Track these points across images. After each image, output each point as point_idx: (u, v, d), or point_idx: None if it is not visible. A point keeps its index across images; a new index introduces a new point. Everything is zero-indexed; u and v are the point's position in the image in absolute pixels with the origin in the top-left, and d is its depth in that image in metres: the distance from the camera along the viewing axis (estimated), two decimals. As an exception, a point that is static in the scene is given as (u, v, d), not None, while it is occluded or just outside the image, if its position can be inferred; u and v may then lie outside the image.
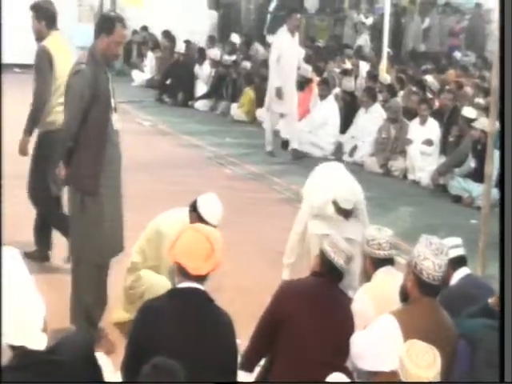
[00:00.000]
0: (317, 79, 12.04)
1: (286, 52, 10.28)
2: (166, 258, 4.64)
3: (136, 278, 5.15)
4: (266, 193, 9.06)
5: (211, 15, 19.40)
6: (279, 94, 10.26)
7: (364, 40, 16.68)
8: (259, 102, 13.05)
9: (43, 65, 5.89)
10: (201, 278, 3.38)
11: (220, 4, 20.50)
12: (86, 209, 4.84)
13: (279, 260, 5.85)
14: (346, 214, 5.33)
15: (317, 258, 4.20)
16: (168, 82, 14.96)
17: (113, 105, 4.92)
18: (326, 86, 11.35)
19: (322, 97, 11.20)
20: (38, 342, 3.10)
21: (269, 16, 19.36)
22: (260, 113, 12.96)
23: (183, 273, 3.37)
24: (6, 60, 16.73)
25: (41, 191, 6.02)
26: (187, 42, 16.02)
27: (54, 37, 6.00)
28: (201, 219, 4.86)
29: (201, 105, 14.26)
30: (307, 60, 12.70)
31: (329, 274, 4.08)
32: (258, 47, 15.98)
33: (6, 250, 3.31)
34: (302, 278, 4.31)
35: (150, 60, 16.72)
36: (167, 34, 16.83)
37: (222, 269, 3.50)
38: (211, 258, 3.35)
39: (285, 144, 11.14)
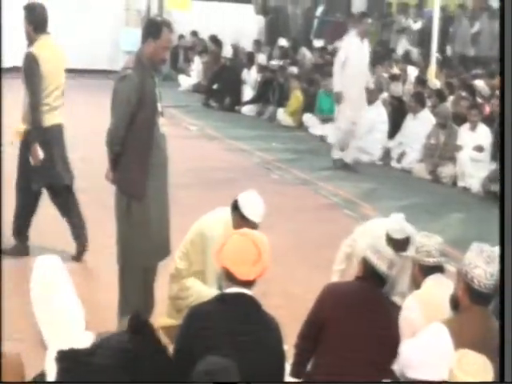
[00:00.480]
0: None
1: (353, 56, 10.02)
2: (211, 261, 4.66)
3: (183, 287, 5.07)
4: (312, 198, 9.04)
5: (258, 20, 19.45)
6: (338, 98, 10.13)
7: (404, 45, 16.55)
8: (307, 106, 13.06)
9: (31, 69, 6.07)
10: (248, 283, 3.37)
11: (267, 9, 20.54)
12: (132, 212, 4.87)
13: (326, 265, 5.80)
14: (399, 246, 4.86)
15: (360, 264, 4.19)
16: (215, 86, 15.03)
17: (159, 109, 4.93)
18: (374, 91, 11.27)
19: (370, 102, 11.12)
20: (83, 341, 3.14)
21: (316, 21, 19.33)
22: (307, 118, 12.96)
23: (230, 278, 3.36)
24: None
25: (24, 185, 6.29)
26: (235, 47, 16.07)
27: (43, 41, 6.14)
28: (243, 217, 4.84)
29: (247, 109, 14.29)
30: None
31: (371, 278, 4.07)
32: (305, 52, 15.97)
33: (46, 257, 3.36)
34: (345, 281, 4.29)
35: (197, 65, 16.81)
36: (214, 39, 16.91)
37: (268, 274, 3.48)
38: (258, 263, 3.34)
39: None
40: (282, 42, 16.96)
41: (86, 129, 11.32)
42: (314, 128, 12.67)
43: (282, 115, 13.32)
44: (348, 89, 9.99)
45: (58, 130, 6.31)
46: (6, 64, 12.75)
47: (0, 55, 9.61)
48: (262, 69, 14.41)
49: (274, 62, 14.58)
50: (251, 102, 14.37)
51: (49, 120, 6.20)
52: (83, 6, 17.31)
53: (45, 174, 6.20)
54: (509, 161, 3.39)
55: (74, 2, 17.29)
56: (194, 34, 17.87)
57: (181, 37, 17.49)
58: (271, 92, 13.94)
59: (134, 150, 4.81)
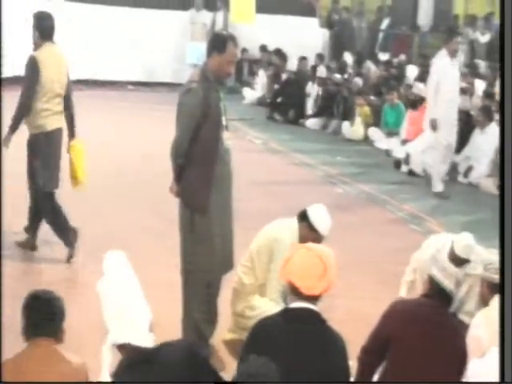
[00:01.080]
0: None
1: (446, 79, 9.43)
2: (276, 270, 4.66)
3: (249, 305, 5.02)
4: (377, 212, 8.98)
5: (323, 33, 19.45)
6: (434, 126, 9.46)
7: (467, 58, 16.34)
8: (372, 120, 13.00)
9: (30, 73, 6.41)
10: (314, 298, 3.37)
11: (332, 22, 20.51)
12: (195, 225, 4.91)
13: (392, 280, 5.76)
14: (462, 263, 4.73)
15: (426, 282, 4.14)
16: (279, 100, 15.07)
17: (224, 123, 4.97)
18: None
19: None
20: (147, 341, 3.19)
21: (381, 34, 19.25)
22: (372, 131, 12.90)
23: (296, 292, 3.37)
24: (118, 77, 17.35)
25: (33, 186, 6.62)
26: (300, 60, 16.10)
27: (48, 48, 6.49)
28: (311, 228, 4.88)
29: (312, 123, 14.29)
30: (420, 78, 12.57)
31: (438, 296, 4.02)
32: (369, 65, 15.91)
33: (112, 254, 3.41)
34: (411, 299, 4.24)
35: (262, 78, 16.88)
36: (279, 52, 16.98)
37: (332, 289, 3.48)
38: (324, 278, 3.34)
39: (397, 164, 11.04)
40: (347, 55, 16.94)
41: (150, 141, 11.48)
42: (379, 142, 12.60)
43: (347, 129, 13.28)
44: (444, 114, 9.45)
45: (58, 134, 6.63)
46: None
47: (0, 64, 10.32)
48: (322, 82, 14.40)
49: (339, 76, 14.56)
50: (315, 115, 14.37)
51: (51, 124, 6.51)
52: (149, 20, 17.57)
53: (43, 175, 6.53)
54: (509, 162, 3.33)
55: (140, 14, 17.55)
56: (263, 48, 17.92)
57: (244, 50, 17.59)
58: (335, 105, 13.92)
59: (198, 164, 4.86)
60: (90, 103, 14.79)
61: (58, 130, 6.61)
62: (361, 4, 21.51)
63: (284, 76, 15.82)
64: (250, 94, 16.84)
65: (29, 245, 6.81)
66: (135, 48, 17.43)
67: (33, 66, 6.38)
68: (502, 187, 3.51)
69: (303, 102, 14.77)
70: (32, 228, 6.81)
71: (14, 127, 6.44)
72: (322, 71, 14.73)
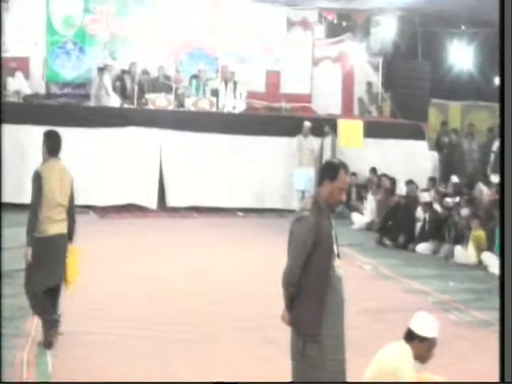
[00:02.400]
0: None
1: None
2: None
3: None
4: (493, 340, 8.74)
5: (432, 156, 19.54)
6: None
7: None
8: (485, 244, 12.84)
9: (34, 186, 7.39)
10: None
11: (441, 145, 20.64)
12: (307, 354, 4.98)
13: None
14: None
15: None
16: (388, 224, 15.10)
17: (335, 251, 5.08)
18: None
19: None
20: None
21: (492, 155, 19.20)
22: (485, 256, 12.72)
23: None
24: (228, 204, 17.77)
25: (30, 285, 7.52)
26: (409, 183, 16.18)
27: (52, 163, 7.50)
28: (421, 340, 4.99)
29: (422, 248, 14.21)
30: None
31: None
32: (481, 187, 15.83)
33: None
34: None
35: (370, 202, 16.99)
36: (387, 176, 17.12)
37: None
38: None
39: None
40: (457, 178, 16.92)
41: (258, 268, 11.65)
42: (493, 267, 12.39)
43: (460, 253, 13.15)
44: None
45: (58, 238, 7.48)
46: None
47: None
48: (427, 207, 14.39)
49: (449, 199, 14.53)
50: (426, 239, 14.30)
51: (52, 230, 7.42)
52: (257, 146, 18.08)
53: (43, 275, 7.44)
54: (509, 160, 3.28)
55: (248, 141, 18.09)
56: (372, 171, 18.12)
57: (353, 175, 17.82)
58: (446, 229, 13.84)
59: (310, 292, 4.96)
60: (201, 230, 15.23)
61: (59, 236, 7.49)
62: (470, 125, 21.61)
63: (393, 200, 15.88)
64: (359, 219, 16.93)
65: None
66: (244, 174, 17.91)
67: (36, 179, 7.37)
68: (502, 187, 3.47)
69: (413, 226, 14.75)
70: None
71: (29, 232, 7.39)
72: (425, 196, 14.74)
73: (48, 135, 7.64)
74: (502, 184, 3.63)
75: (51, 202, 7.40)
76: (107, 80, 18.28)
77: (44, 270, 7.43)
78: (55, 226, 7.46)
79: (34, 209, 7.39)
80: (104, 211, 16.84)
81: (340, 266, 5.09)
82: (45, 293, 7.54)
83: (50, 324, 7.51)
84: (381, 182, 17.20)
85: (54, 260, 7.48)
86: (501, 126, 3.75)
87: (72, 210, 7.69)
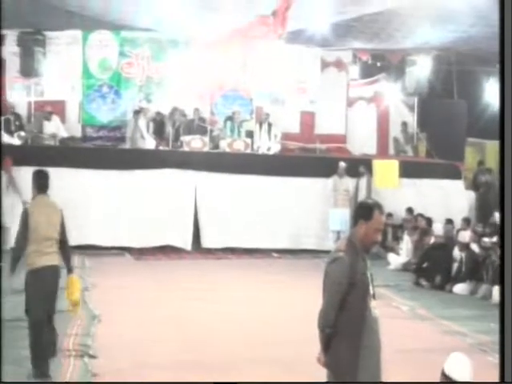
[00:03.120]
0: None
1: None
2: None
3: None
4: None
5: (469, 196, 19.46)
6: None
7: None
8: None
9: (20, 223, 7.84)
10: None
11: (478, 184, 20.55)
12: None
13: None
14: None
15: None
16: (425, 265, 15.02)
17: (371, 292, 5.10)
18: None
19: None
20: None
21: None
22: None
23: None
24: (264, 245, 17.80)
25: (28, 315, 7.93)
26: (446, 223, 16.12)
27: (40, 199, 7.96)
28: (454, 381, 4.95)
29: (460, 288, 14.11)
30: None
31: None
32: (519, 227, 15.71)
33: None
34: None
35: (406, 243, 16.93)
36: (424, 216, 17.07)
37: None
38: None
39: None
40: (496, 216, 16.81)
41: (293, 309, 11.65)
42: (533, 307, 12.27)
43: (498, 294, 13.03)
44: None
45: (47, 270, 7.82)
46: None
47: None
48: (464, 247, 14.31)
49: (487, 239, 14.44)
50: (463, 280, 14.20)
51: (38, 262, 7.76)
52: (292, 187, 18.15)
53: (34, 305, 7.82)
54: (509, 161, 3.27)
55: (283, 182, 18.16)
56: (409, 211, 18.08)
57: (389, 215, 17.79)
58: (484, 270, 13.74)
59: (346, 333, 4.98)
60: (236, 271, 15.27)
61: (48, 267, 7.82)
62: (507, 165, 21.46)
63: (429, 240, 15.82)
64: (395, 260, 16.87)
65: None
66: (279, 215, 17.97)
67: (23, 216, 7.83)
68: (501, 187, 3.47)
69: (450, 267, 14.67)
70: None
71: (12, 269, 7.79)
72: (463, 236, 14.67)
73: (37, 174, 8.13)
74: (502, 183, 3.65)
75: (38, 235, 7.77)
76: (142, 123, 18.56)
77: (36, 300, 7.81)
78: (44, 258, 7.80)
79: (17, 244, 7.88)
80: (139, 253, 16.97)
81: (376, 307, 5.11)
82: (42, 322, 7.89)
83: (42, 355, 7.82)
84: (417, 222, 17.15)
85: (44, 291, 7.83)
86: (501, 126, 3.79)
87: (65, 242, 8.05)
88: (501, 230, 3.53)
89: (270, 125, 19.36)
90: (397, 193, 18.40)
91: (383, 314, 5.31)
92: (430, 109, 21.49)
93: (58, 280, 7.97)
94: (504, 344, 3.26)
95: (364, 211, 5.14)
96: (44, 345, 7.82)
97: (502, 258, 3.48)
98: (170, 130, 18.77)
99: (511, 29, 3.71)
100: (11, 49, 19.02)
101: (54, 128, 18.73)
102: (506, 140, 3.62)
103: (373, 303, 5.09)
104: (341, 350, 4.99)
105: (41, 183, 8.07)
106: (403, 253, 16.95)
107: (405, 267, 16.38)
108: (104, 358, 8.60)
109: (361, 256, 5.08)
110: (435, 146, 20.53)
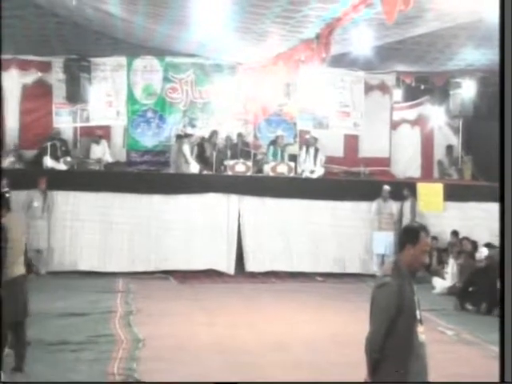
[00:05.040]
0: None
1: None
2: None
3: None
4: None
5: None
6: None
7: None
8: None
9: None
10: None
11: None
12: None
13: None
14: None
15: None
16: (471, 289, 14.87)
17: (418, 316, 5.08)
18: None
19: None
20: None
21: None
22: None
23: None
24: (307, 269, 17.76)
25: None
26: (492, 247, 15.95)
27: (10, 215, 8.75)
28: None
29: (507, 313, 13.93)
30: None
31: None
32: None
33: None
34: None
35: (452, 266, 16.79)
36: (469, 240, 16.92)
37: None
38: None
39: None
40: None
41: (338, 334, 11.60)
42: None
43: (546, 319, 12.84)
44: None
45: (21, 278, 8.68)
46: None
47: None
48: None
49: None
50: (511, 305, 14.02)
51: (14, 272, 8.49)
52: (336, 210, 18.14)
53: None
54: (509, 162, 3.23)
55: (327, 207, 18.16)
56: (454, 234, 17.94)
57: (434, 238, 17.67)
58: (533, 294, 13.56)
59: (393, 358, 4.97)
60: (280, 296, 15.26)
61: (22, 276, 8.66)
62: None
63: (475, 264, 15.66)
64: (440, 284, 16.73)
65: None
66: (323, 239, 17.96)
67: (3, 230, 8.41)
68: (501, 188, 3.43)
69: (496, 291, 14.47)
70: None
71: None
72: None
73: (2, 195, 9.49)
74: (502, 185, 3.65)
75: (13, 247, 8.50)
76: (186, 148, 18.69)
77: (12, 306, 8.46)
78: (17, 268, 8.61)
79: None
80: (183, 277, 17.05)
81: (423, 332, 5.09)
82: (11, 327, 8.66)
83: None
84: (462, 246, 17.00)
85: (18, 297, 8.61)
86: (501, 128, 3.78)
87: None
88: (501, 231, 3.53)
89: (316, 149, 19.38)
90: (441, 216, 18.29)
91: (428, 338, 5.28)
92: (475, 131, 21.36)
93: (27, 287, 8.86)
94: (504, 344, 3.25)
95: (410, 235, 5.13)
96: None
97: (502, 258, 3.47)
98: (210, 153, 18.88)
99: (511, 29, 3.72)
100: (57, 75, 19.37)
101: (101, 152, 19.01)
102: (507, 140, 3.62)
103: (420, 328, 5.07)
104: (388, 375, 4.97)
105: (6, 201, 9.30)
106: (448, 277, 16.80)
107: (450, 291, 16.22)
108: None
109: (408, 281, 5.07)
110: (480, 169, 20.37)
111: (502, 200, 3.71)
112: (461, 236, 17.61)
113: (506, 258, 3.48)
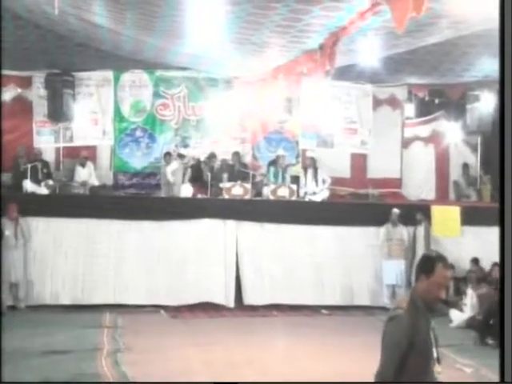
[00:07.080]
0: None
1: None
2: None
3: None
4: None
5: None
6: None
7: None
8: None
9: None
10: None
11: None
12: None
13: None
14: None
15: None
16: (491, 321, 14.79)
17: (435, 355, 5.01)
18: None
19: None
20: None
21: None
22: None
23: None
24: (311, 301, 17.69)
25: None
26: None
27: None
28: None
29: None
30: None
31: None
32: None
33: None
34: None
35: (471, 297, 16.71)
36: (495, 265, 16.90)
37: None
38: None
39: None
40: None
41: (344, 373, 11.53)
42: None
43: None
44: None
45: None
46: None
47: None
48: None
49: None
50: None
51: None
52: (343, 237, 18.08)
53: None
54: (509, 162, 3.19)
55: (332, 233, 18.11)
56: (475, 261, 17.88)
57: (451, 267, 17.61)
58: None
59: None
60: (282, 331, 15.18)
61: None
62: None
63: (496, 294, 15.61)
64: (458, 316, 16.65)
65: None
66: (328, 268, 17.89)
67: None
68: (501, 188, 3.40)
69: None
70: None
71: None
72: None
73: None
74: (502, 185, 3.62)
75: None
76: (174, 168, 18.54)
77: None
78: None
79: None
80: (176, 310, 16.96)
81: (440, 372, 5.01)
82: None
83: None
84: (492, 272, 16.90)
85: None
86: (501, 128, 3.75)
87: None
88: (501, 230, 3.51)
89: (316, 169, 19.33)
90: (458, 242, 18.23)
91: (445, 376, 5.21)
92: (494, 149, 21.31)
93: None
94: (504, 344, 3.20)
95: (425, 265, 5.06)
96: None
97: (501, 257, 3.45)
98: (205, 175, 18.83)
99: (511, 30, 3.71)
100: (38, 91, 19.38)
101: (86, 175, 18.93)
102: (507, 142, 3.60)
103: (437, 368, 4.99)
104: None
105: None
106: (467, 308, 16.72)
107: (469, 324, 16.13)
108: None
109: (423, 315, 4.99)
110: (501, 190, 20.33)
111: (502, 199, 3.69)
112: (481, 264, 17.55)
113: (506, 257, 3.46)
